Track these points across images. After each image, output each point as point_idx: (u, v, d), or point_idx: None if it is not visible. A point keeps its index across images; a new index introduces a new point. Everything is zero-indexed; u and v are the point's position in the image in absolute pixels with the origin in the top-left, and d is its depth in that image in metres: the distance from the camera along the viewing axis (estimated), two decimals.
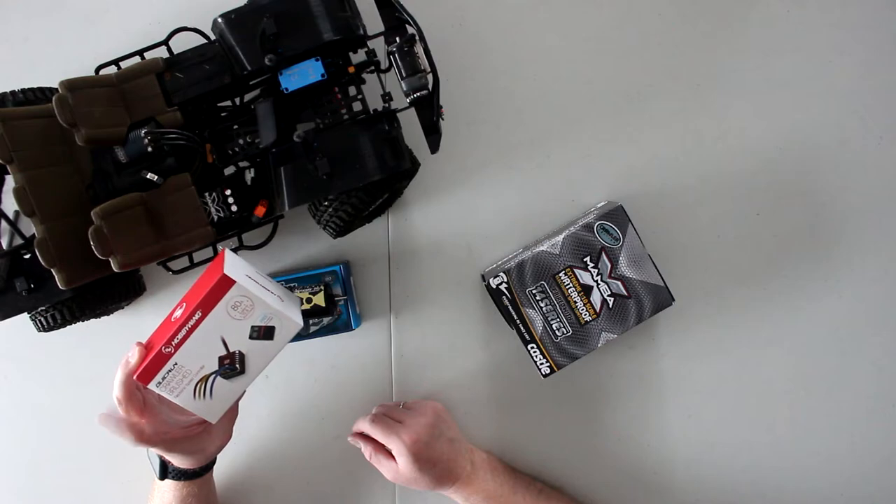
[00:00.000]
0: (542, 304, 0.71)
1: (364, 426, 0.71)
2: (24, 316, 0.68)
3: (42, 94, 0.69)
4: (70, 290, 0.63)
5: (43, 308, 0.67)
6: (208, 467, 0.68)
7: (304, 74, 0.63)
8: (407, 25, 0.64)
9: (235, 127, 0.67)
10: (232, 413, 0.66)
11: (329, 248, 0.77)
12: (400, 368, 0.78)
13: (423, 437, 0.68)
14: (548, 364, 0.72)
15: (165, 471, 0.66)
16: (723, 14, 0.77)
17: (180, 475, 0.66)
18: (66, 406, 0.78)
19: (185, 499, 0.67)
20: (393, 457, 0.68)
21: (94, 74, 0.67)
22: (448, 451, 0.70)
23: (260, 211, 0.66)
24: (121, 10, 0.76)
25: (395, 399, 0.78)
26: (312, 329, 0.74)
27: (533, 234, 0.77)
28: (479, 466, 0.72)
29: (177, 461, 0.65)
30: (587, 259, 0.71)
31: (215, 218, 0.65)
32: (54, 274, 0.61)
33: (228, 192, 0.65)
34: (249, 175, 0.67)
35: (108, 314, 0.75)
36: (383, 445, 0.69)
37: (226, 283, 0.57)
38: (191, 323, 0.57)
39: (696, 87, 0.77)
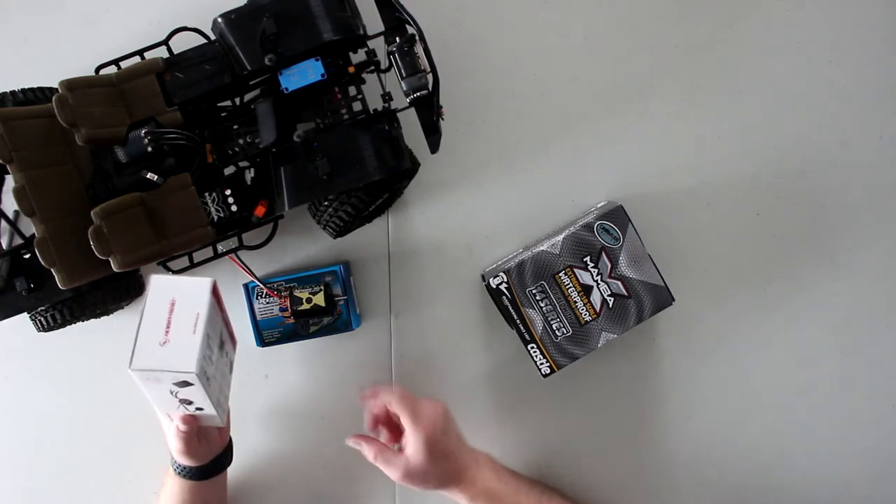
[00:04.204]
0: (542, 304, 0.71)
1: (389, 400, 0.66)
2: (24, 316, 0.68)
3: (42, 94, 0.69)
4: (70, 290, 0.63)
5: (43, 308, 0.67)
6: (202, 473, 0.67)
7: (304, 74, 0.63)
8: (407, 25, 0.64)
9: (235, 127, 0.67)
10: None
11: (329, 248, 0.77)
12: (400, 368, 0.78)
13: (440, 426, 0.65)
14: (548, 364, 0.72)
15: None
16: (723, 14, 0.77)
17: (180, 471, 0.67)
18: (66, 406, 0.77)
19: (177, 494, 0.68)
20: (400, 452, 0.66)
21: (94, 74, 0.67)
22: (458, 446, 0.67)
23: (260, 211, 0.66)
24: (121, 10, 0.76)
25: None
26: (312, 329, 0.74)
27: (533, 234, 0.77)
28: (483, 465, 0.71)
29: (178, 455, 0.65)
30: (587, 259, 0.71)
31: (215, 218, 0.65)
32: (54, 274, 0.61)
33: (228, 192, 0.65)
34: (249, 175, 0.67)
35: (107, 314, 0.75)
36: (387, 446, 0.68)
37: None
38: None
39: (696, 87, 0.77)
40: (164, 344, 0.55)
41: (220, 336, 0.61)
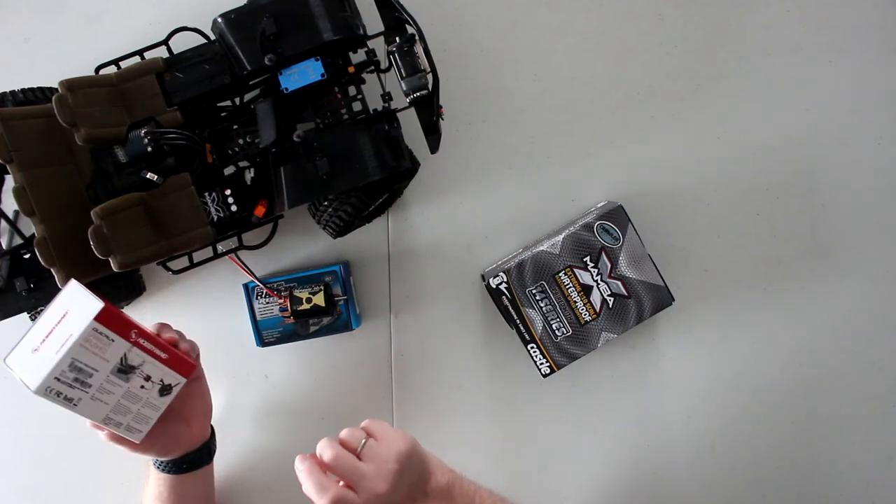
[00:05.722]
0: (541, 304, 0.71)
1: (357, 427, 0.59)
2: (24, 316, 0.68)
3: (42, 94, 0.69)
4: None
5: (43, 308, 0.67)
6: (176, 467, 0.66)
7: (304, 74, 0.63)
8: (407, 25, 0.64)
9: (235, 127, 0.67)
10: (202, 409, 0.67)
11: (329, 248, 0.77)
12: (400, 368, 0.78)
13: (383, 492, 0.56)
14: (548, 364, 0.72)
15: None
16: (723, 14, 0.77)
17: (154, 463, 0.66)
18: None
19: (154, 486, 0.67)
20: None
21: (94, 74, 0.67)
22: (405, 497, 0.58)
23: (260, 211, 0.66)
24: (121, 10, 0.76)
25: (395, 398, 0.78)
26: (312, 329, 0.74)
27: (533, 234, 0.77)
28: (433, 496, 0.60)
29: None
30: (587, 259, 0.71)
31: (215, 218, 0.65)
32: (54, 274, 0.61)
33: (228, 192, 0.65)
34: (249, 175, 0.67)
35: None
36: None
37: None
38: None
39: (696, 87, 0.77)
40: (34, 351, 0.54)
41: (117, 362, 0.56)
